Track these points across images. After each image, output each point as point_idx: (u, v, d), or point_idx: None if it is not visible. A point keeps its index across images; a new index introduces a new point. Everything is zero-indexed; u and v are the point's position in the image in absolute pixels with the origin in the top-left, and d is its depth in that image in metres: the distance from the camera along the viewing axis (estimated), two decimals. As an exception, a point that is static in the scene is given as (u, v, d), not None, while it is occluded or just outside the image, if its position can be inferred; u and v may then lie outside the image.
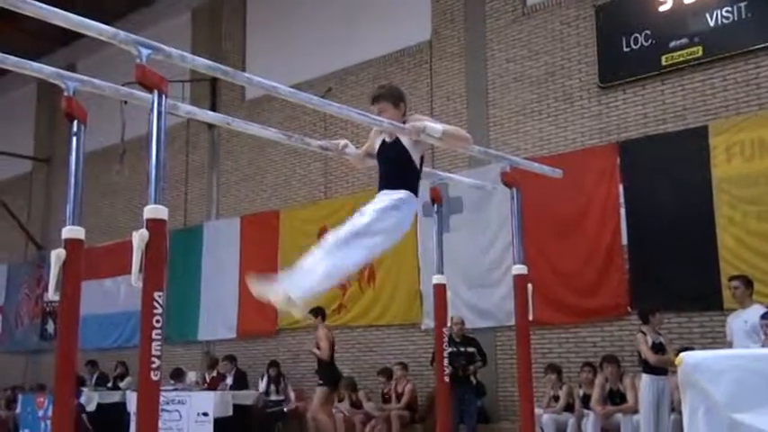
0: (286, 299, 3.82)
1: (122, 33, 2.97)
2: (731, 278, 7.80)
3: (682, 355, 3.72)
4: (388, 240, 4.20)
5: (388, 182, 4.39)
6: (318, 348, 10.17)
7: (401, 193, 4.27)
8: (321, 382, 10.17)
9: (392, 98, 4.47)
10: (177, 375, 12.33)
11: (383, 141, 4.52)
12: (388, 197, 4.25)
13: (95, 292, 14.05)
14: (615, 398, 8.29)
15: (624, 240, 9.20)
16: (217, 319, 13.33)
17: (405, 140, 4.38)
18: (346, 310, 11.66)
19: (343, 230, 4.03)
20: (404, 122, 4.38)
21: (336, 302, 11.72)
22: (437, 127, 4.27)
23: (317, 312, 10.27)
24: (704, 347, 8.02)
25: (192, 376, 12.38)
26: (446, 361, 4.90)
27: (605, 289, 9.27)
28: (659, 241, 8.91)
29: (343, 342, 11.60)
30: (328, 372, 10.17)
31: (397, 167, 4.39)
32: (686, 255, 8.66)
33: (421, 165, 4.48)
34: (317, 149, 4.76)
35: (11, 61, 3.35)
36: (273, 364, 11.71)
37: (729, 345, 7.47)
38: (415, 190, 4.36)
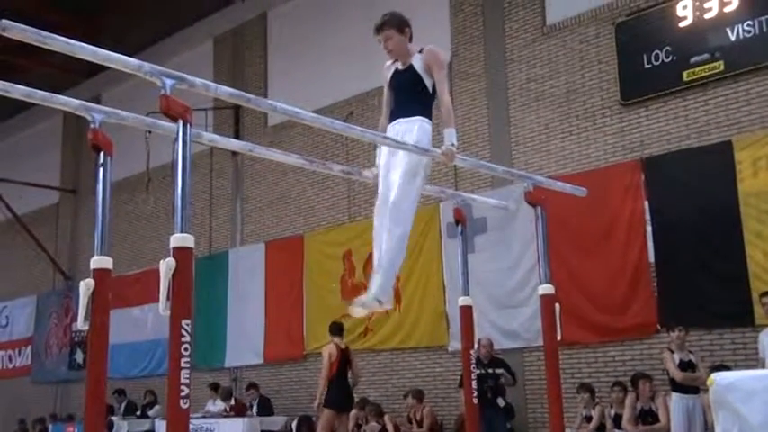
0: (378, 303, 4.27)
1: (147, 65, 3.01)
2: (762, 294, 7.71)
3: (713, 375, 3.68)
4: (424, 173, 4.46)
5: (402, 108, 4.55)
6: None
7: (416, 123, 4.44)
8: (322, 403, 9.56)
9: (396, 24, 4.54)
10: (216, 388, 12.43)
11: (396, 70, 4.64)
12: (405, 128, 4.43)
13: (123, 321, 14.14)
14: (647, 417, 8.17)
15: (651, 257, 9.11)
16: (243, 345, 13.35)
17: (418, 67, 4.51)
18: (372, 334, 11.62)
19: (388, 204, 4.34)
20: (418, 51, 4.53)
21: (362, 326, 11.69)
22: (454, 138, 4.39)
23: (331, 329, 9.93)
24: (736, 365, 7.92)
25: (219, 404, 12.39)
26: (474, 383, 4.87)
27: (634, 307, 9.17)
28: (687, 258, 8.81)
29: (370, 366, 11.56)
30: (332, 392, 9.54)
31: (410, 93, 4.52)
32: (715, 271, 8.56)
33: (434, 90, 4.57)
34: (339, 174, 4.78)
35: (39, 95, 3.42)
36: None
37: (762, 362, 7.36)
38: (429, 114, 4.54)
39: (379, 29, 4.53)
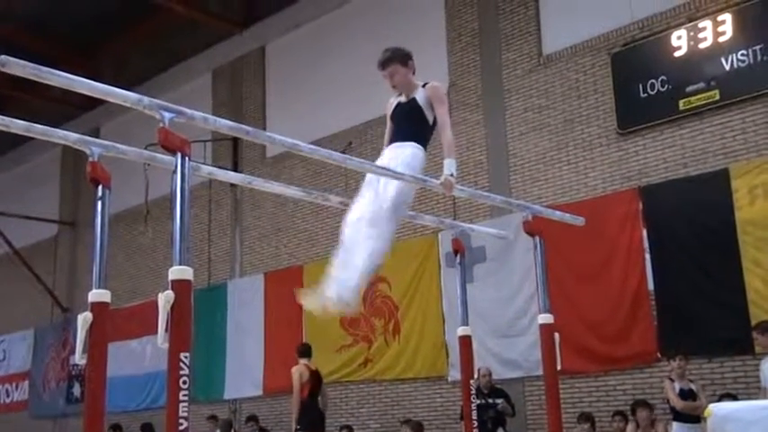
0: (340, 302, 4.13)
1: (146, 99, 3.03)
2: (754, 327, 7.72)
3: (711, 406, 3.68)
4: (409, 199, 4.52)
5: (398, 134, 4.63)
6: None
7: (408, 149, 4.49)
8: (299, 426, 9.35)
9: (400, 59, 4.65)
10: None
11: (398, 103, 4.72)
12: (396, 153, 4.49)
13: (121, 354, 14.07)
14: (648, 447, 8.12)
15: (650, 286, 9.11)
16: (243, 377, 13.27)
17: (420, 100, 4.59)
18: (372, 364, 11.57)
19: (367, 213, 4.33)
20: (422, 85, 4.61)
21: (362, 357, 11.65)
22: (453, 168, 4.42)
23: (300, 351, 9.84)
24: (737, 394, 7.88)
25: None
26: (474, 414, 4.85)
27: (633, 336, 9.14)
28: (686, 286, 8.80)
29: (370, 397, 11.50)
30: (307, 414, 9.35)
31: (409, 122, 4.60)
32: (714, 299, 8.55)
33: (434, 123, 4.64)
34: (338, 205, 4.80)
35: (38, 129, 3.44)
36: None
37: (764, 391, 7.32)
38: (423, 143, 4.59)
39: (384, 65, 4.64)
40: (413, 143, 4.55)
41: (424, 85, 4.66)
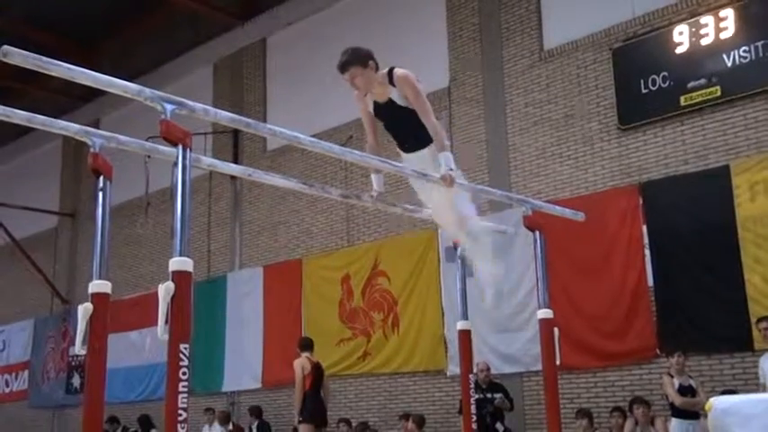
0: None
1: (148, 90, 3.03)
2: (759, 320, 7.71)
3: (711, 400, 3.68)
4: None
5: (410, 138, 4.62)
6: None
7: (443, 157, 4.50)
8: (301, 418, 9.36)
9: (359, 61, 4.42)
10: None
11: (375, 103, 4.58)
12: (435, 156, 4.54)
13: (120, 345, 14.06)
14: (647, 443, 8.13)
15: (650, 282, 9.11)
16: (242, 370, 13.29)
17: (398, 99, 4.46)
18: (371, 358, 11.58)
19: (458, 212, 4.73)
20: (390, 82, 4.46)
21: (361, 350, 11.66)
22: (451, 162, 4.39)
23: (301, 345, 9.88)
24: (737, 389, 7.89)
25: (216, 428, 12.31)
26: (473, 408, 4.86)
27: (633, 331, 9.15)
28: (686, 282, 8.81)
29: (369, 390, 11.51)
30: (309, 406, 9.37)
31: (407, 125, 4.52)
32: (714, 295, 8.56)
33: None
34: (338, 198, 4.80)
35: (39, 120, 3.44)
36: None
37: (763, 387, 7.34)
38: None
39: (343, 68, 4.42)
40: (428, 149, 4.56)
41: (391, 79, 4.44)
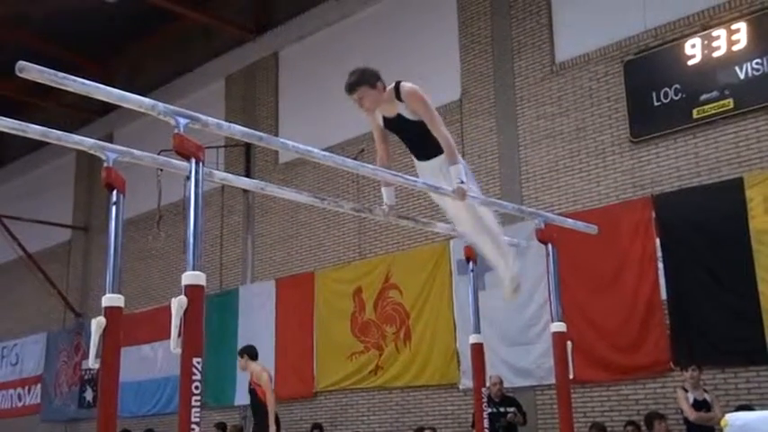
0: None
1: (161, 105, 3.05)
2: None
3: (727, 416, 3.65)
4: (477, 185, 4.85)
5: (422, 149, 4.62)
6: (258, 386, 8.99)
7: (455, 167, 4.45)
8: None
9: (367, 81, 4.41)
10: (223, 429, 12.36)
11: (384, 117, 4.61)
12: (447, 167, 4.51)
13: (133, 359, 14.09)
14: (662, 458, 8.06)
15: (663, 295, 9.06)
16: (253, 383, 13.24)
17: (406, 114, 4.46)
18: (383, 371, 11.55)
19: (481, 223, 4.75)
20: (398, 98, 4.45)
21: (373, 364, 11.63)
22: (462, 175, 4.36)
23: (252, 354, 9.34)
24: (751, 403, 7.83)
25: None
26: (486, 422, 4.83)
27: (646, 345, 9.09)
28: (700, 295, 8.75)
29: (381, 404, 11.47)
30: (278, 421, 9.04)
31: (420, 137, 4.51)
32: (728, 309, 8.49)
33: None
34: (350, 212, 4.80)
35: (54, 135, 3.46)
36: (317, 426, 11.54)
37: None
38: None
39: (351, 89, 4.43)
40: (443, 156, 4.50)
41: (398, 94, 4.43)
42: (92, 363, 3.25)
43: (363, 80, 4.40)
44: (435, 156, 4.52)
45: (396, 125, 4.55)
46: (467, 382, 9.96)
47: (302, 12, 13.94)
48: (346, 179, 12.50)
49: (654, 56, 9.63)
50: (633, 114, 9.69)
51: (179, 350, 2.79)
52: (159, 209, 13.13)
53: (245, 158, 14.55)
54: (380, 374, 11.58)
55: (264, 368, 9.31)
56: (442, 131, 4.41)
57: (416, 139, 4.54)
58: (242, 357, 9.35)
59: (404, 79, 4.51)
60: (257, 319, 13.38)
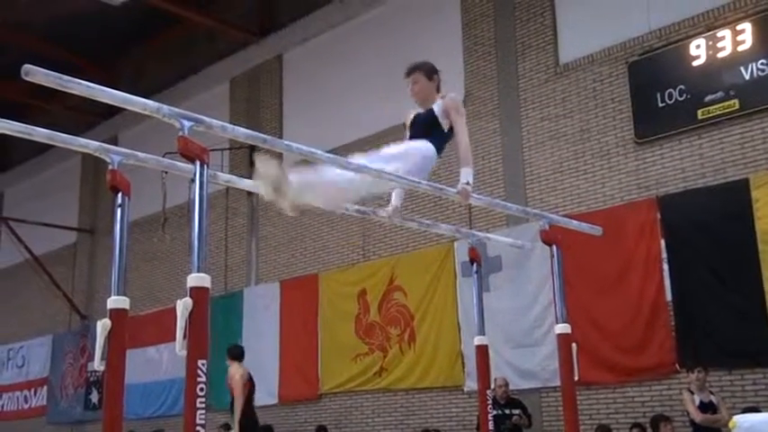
0: (281, 173, 3.76)
1: (165, 107, 3.05)
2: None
3: (735, 417, 3.64)
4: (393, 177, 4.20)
5: (414, 137, 4.66)
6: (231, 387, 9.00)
7: (420, 141, 4.50)
8: None
9: (426, 70, 4.73)
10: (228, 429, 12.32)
11: (416, 114, 4.77)
12: (409, 144, 4.53)
13: (138, 361, 14.10)
14: (667, 459, 8.04)
15: (669, 296, 9.04)
16: (258, 385, 13.18)
17: (437, 110, 4.63)
18: (387, 373, 11.54)
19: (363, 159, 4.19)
20: (440, 97, 4.64)
21: (377, 365, 11.63)
22: (470, 177, 4.43)
23: (236, 354, 9.42)
24: (758, 405, 7.81)
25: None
26: (491, 424, 4.82)
27: (652, 346, 9.07)
28: (705, 297, 8.72)
29: (386, 406, 11.46)
30: (251, 420, 9.04)
31: (424, 128, 4.63)
32: (734, 310, 8.47)
33: (450, 131, 4.64)
34: (354, 213, 4.81)
35: (60, 138, 3.48)
36: (322, 428, 11.54)
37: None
38: (438, 146, 4.56)
39: (409, 72, 4.74)
40: (426, 140, 4.57)
41: (442, 98, 4.72)
42: (97, 365, 3.27)
43: (422, 68, 4.73)
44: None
45: (420, 117, 4.73)
46: (471, 384, 9.94)
47: (306, 14, 13.95)
48: (351, 181, 12.48)
49: (658, 57, 9.62)
50: (638, 115, 9.68)
51: (184, 352, 2.80)
52: (164, 211, 13.12)
53: (250, 161, 14.53)
54: (385, 376, 11.57)
55: (241, 368, 9.25)
56: (466, 139, 4.61)
57: (422, 131, 4.66)
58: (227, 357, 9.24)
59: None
60: (262, 321, 13.38)
